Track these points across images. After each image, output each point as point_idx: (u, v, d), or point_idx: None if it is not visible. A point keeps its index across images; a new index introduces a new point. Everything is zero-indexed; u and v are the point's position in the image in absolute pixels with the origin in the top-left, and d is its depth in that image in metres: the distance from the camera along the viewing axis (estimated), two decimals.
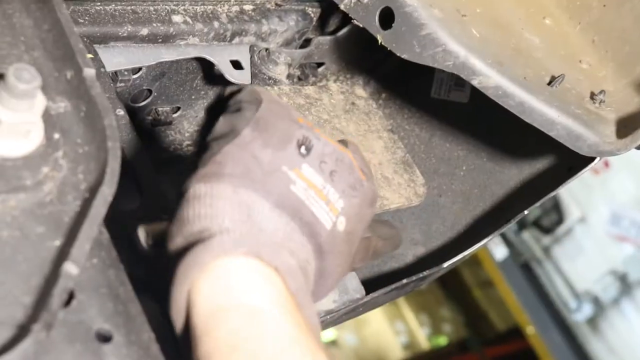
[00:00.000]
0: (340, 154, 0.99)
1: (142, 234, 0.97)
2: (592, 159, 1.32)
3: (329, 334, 4.97)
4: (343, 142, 1.07)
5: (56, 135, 0.87)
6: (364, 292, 1.27)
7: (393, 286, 1.31)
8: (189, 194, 0.90)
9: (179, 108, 1.44)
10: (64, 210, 0.84)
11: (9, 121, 0.80)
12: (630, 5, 1.38)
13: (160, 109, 1.40)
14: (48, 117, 0.86)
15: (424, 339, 5.47)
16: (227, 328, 0.81)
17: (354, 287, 1.26)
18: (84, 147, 0.88)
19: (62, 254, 0.80)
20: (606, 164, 4.71)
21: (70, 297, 0.81)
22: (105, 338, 0.81)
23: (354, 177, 1.00)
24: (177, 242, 0.89)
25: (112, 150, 0.85)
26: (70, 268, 0.77)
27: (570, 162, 1.38)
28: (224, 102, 1.01)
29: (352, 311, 1.31)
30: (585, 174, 1.35)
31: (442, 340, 5.58)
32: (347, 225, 0.98)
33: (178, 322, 0.86)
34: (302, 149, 0.95)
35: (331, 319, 1.29)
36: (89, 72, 0.89)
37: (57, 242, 0.81)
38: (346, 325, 4.61)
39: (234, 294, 0.83)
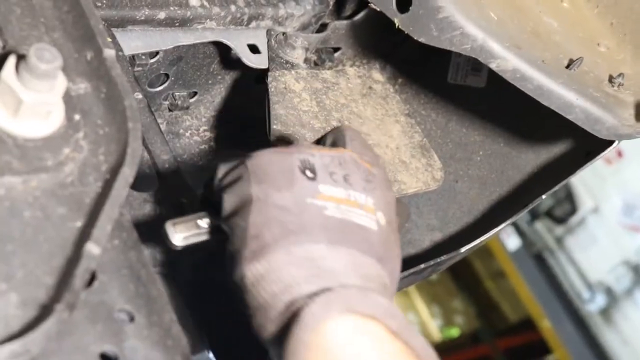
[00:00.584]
0: (339, 157, 0.98)
1: (170, 229, 0.97)
2: (610, 143, 1.31)
3: None
4: (338, 131, 1.07)
5: (77, 117, 0.86)
6: None
7: (411, 271, 1.31)
8: (249, 280, 0.88)
9: (195, 93, 1.44)
10: (85, 191, 0.84)
11: (30, 101, 0.80)
12: None
13: (177, 93, 1.40)
14: (68, 99, 0.86)
15: (436, 331, 5.46)
16: None
17: None
18: (104, 128, 0.88)
19: (84, 235, 0.79)
20: (619, 154, 4.69)
21: (92, 278, 0.81)
22: (127, 319, 0.81)
23: (363, 170, 0.99)
24: (269, 329, 0.87)
25: (132, 131, 0.85)
26: (92, 248, 0.77)
27: (588, 147, 1.37)
28: (212, 188, 1.00)
29: None
30: (599, 163, 1.34)
31: (454, 332, 5.57)
32: (386, 216, 0.97)
33: None
34: (308, 172, 0.94)
35: None
36: (109, 52, 0.89)
37: (79, 223, 0.81)
38: None
39: None
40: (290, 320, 0.84)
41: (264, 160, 0.94)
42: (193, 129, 1.46)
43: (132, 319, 0.81)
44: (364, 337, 0.83)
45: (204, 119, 1.48)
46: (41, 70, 0.79)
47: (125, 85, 0.87)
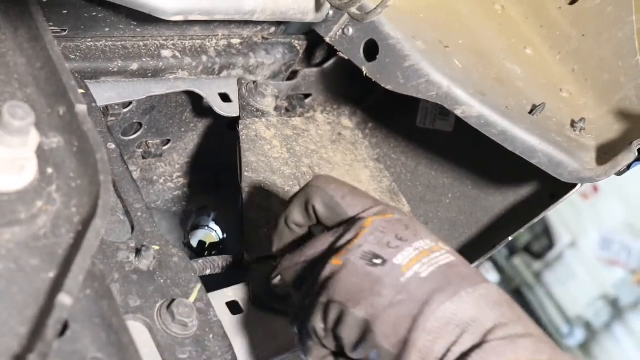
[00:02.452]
0: (374, 227, 0.98)
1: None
2: (574, 186, 1.34)
3: None
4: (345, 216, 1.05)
5: (49, 170, 0.89)
6: None
7: None
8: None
9: (169, 140, 1.46)
10: (58, 242, 0.86)
11: (3, 157, 0.82)
12: (608, 35, 1.41)
13: (150, 141, 1.42)
14: (41, 152, 0.89)
15: None
16: None
17: None
18: (76, 181, 0.91)
19: (57, 286, 0.82)
20: (595, 189, 4.74)
21: (65, 327, 0.83)
22: None
23: (395, 221, 0.99)
24: None
25: (104, 183, 0.88)
26: (64, 299, 0.79)
27: (552, 189, 1.40)
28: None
29: None
30: (575, 198, 1.37)
31: None
32: (441, 242, 0.98)
33: None
34: (376, 261, 0.94)
35: None
36: (81, 108, 0.92)
37: (52, 274, 0.83)
38: None
39: None
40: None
41: (340, 284, 0.94)
42: (167, 175, 1.48)
43: None
44: None
45: (177, 166, 1.50)
46: (14, 127, 0.81)
47: (97, 138, 0.90)
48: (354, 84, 1.58)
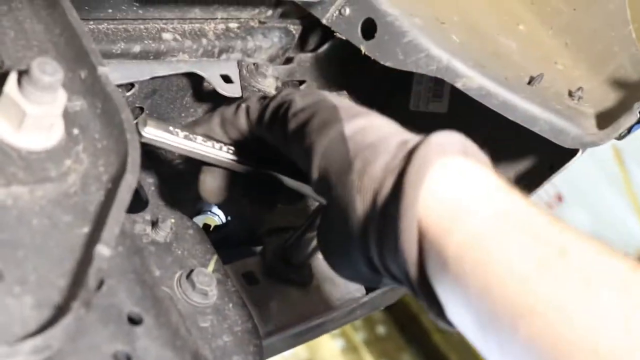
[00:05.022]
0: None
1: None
2: (572, 156, 1.36)
3: None
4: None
5: (75, 131, 0.89)
6: (364, 292, 1.30)
7: (390, 287, 1.34)
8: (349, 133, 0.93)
9: None
10: (89, 200, 0.86)
11: (34, 114, 0.82)
12: (598, 7, 1.44)
13: None
14: (66, 114, 0.89)
15: None
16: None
17: (355, 287, 1.29)
18: (102, 141, 0.91)
19: (92, 240, 0.82)
20: (559, 198, 4.78)
21: (101, 282, 0.83)
22: (136, 320, 0.83)
23: None
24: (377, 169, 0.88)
25: (131, 141, 0.88)
26: (102, 250, 0.79)
27: (551, 161, 1.42)
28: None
29: (351, 313, 1.34)
30: None
31: None
32: None
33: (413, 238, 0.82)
34: None
35: (330, 322, 1.31)
36: (103, 70, 0.92)
37: (85, 229, 0.83)
38: None
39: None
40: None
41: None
42: (166, 161, 1.48)
43: (141, 320, 0.83)
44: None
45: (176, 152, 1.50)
46: (44, 83, 0.81)
47: (121, 99, 0.90)
48: (347, 70, 1.59)
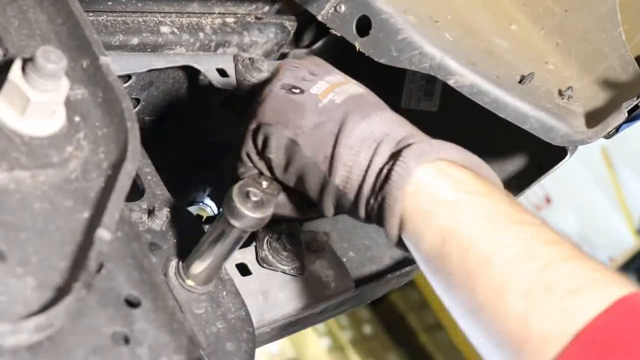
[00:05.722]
0: (287, 67, 1.12)
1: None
2: (560, 158, 1.39)
3: None
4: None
5: (77, 118, 0.91)
6: (353, 285, 1.32)
7: (380, 280, 1.37)
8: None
9: (164, 118, 1.49)
10: (89, 186, 0.88)
11: (37, 101, 0.84)
12: (590, 8, 1.47)
13: (147, 118, 1.45)
14: (68, 102, 0.91)
15: None
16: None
17: (346, 280, 1.31)
18: (102, 129, 0.93)
19: (92, 224, 0.84)
20: (548, 200, 4.80)
21: (100, 266, 0.85)
22: (134, 303, 0.85)
23: (306, 63, 1.16)
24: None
25: (131, 130, 0.90)
26: (103, 233, 0.81)
27: (539, 163, 1.45)
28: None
29: (340, 305, 1.36)
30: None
31: None
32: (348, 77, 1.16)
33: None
34: (295, 90, 1.06)
35: (320, 314, 1.34)
36: (105, 60, 0.94)
37: (86, 214, 0.85)
38: None
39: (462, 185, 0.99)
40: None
41: (266, 107, 1.06)
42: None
43: (139, 303, 0.85)
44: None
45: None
46: (48, 70, 0.83)
47: (122, 88, 0.92)
48: (341, 66, 1.61)
